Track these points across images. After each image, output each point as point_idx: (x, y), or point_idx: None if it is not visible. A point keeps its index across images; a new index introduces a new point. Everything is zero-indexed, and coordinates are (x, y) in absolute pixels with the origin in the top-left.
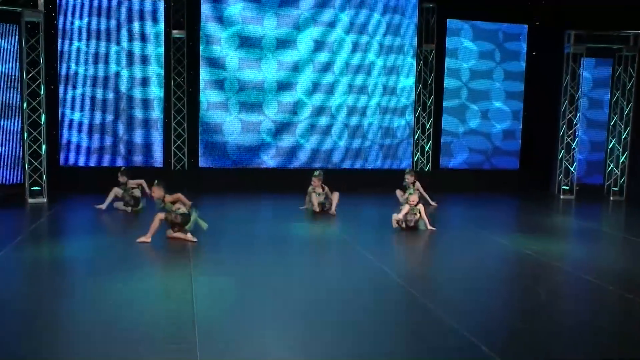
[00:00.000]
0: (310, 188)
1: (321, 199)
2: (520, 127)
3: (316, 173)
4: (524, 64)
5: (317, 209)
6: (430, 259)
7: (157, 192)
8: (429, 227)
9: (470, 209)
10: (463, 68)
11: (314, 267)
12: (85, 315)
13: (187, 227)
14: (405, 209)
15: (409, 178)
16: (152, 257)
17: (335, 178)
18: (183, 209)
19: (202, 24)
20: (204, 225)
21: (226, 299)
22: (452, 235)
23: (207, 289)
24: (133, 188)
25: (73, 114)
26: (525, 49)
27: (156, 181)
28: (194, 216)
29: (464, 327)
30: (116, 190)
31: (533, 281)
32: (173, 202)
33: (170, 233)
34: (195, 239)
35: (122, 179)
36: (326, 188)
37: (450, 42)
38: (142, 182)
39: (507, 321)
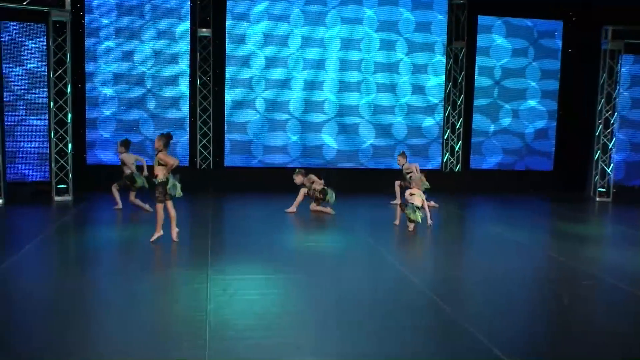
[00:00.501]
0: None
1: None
2: (555, 126)
3: (296, 171)
4: (559, 62)
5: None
6: (454, 261)
7: (157, 142)
8: (429, 220)
9: (500, 211)
10: (495, 66)
11: (334, 269)
12: (98, 311)
13: (171, 193)
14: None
15: (400, 160)
16: (170, 254)
17: (363, 177)
18: (161, 177)
19: (228, 22)
20: (179, 192)
21: (241, 299)
22: (479, 238)
23: (222, 289)
24: (124, 165)
25: (100, 113)
26: (561, 45)
27: (162, 133)
28: (171, 181)
29: (480, 331)
30: (115, 186)
31: (559, 286)
32: (162, 163)
33: (167, 199)
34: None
35: (120, 149)
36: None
37: (481, 40)
38: (143, 161)
39: (525, 326)
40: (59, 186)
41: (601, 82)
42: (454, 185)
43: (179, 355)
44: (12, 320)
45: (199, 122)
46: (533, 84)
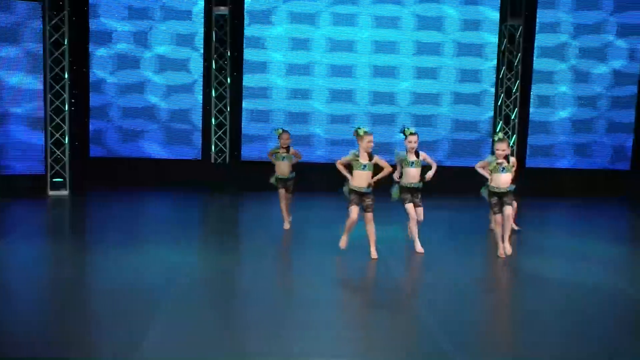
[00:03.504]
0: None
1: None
2: (634, 118)
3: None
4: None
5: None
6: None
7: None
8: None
9: (557, 218)
10: (560, 46)
11: (363, 270)
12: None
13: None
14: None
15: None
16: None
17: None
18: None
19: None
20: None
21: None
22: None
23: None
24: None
25: (105, 100)
26: None
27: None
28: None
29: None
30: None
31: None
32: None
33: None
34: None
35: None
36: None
37: (542, 15)
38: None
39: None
40: (54, 180)
41: None
42: None
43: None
44: None
45: (214, 111)
46: (610, 66)
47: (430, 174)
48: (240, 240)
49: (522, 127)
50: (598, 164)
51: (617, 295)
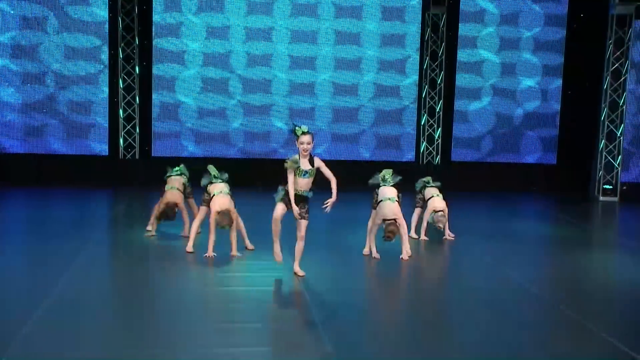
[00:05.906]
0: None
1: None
2: (559, 110)
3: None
4: (564, 31)
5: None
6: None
7: None
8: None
9: (474, 213)
10: (483, 36)
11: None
12: None
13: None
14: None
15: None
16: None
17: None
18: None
19: None
20: None
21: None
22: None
23: None
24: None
25: (1, 91)
26: (567, 10)
27: None
28: None
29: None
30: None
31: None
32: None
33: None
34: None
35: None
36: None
37: (465, 4)
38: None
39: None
40: None
41: (607, 56)
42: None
43: None
44: None
45: (122, 104)
46: (530, 57)
47: (330, 203)
48: (142, 244)
49: (447, 120)
50: (522, 157)
51: (523, 294)
